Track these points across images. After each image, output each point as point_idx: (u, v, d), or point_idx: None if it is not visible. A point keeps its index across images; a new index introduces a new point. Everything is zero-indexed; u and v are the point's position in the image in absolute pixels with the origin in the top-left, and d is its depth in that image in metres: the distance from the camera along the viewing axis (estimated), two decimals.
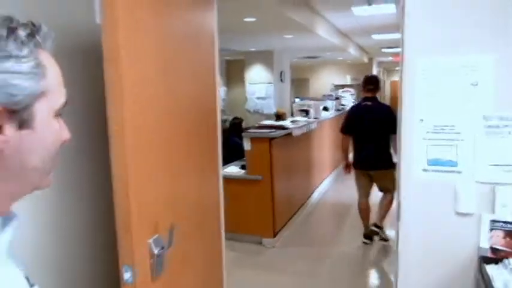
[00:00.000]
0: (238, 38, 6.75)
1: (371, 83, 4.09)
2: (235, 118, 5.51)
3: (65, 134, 0.61)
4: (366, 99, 4.09)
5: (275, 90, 8.99)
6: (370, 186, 4.16)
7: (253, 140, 4.16)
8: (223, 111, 9.07)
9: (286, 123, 4.90)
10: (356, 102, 4.38)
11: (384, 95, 17.79)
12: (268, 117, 7.66)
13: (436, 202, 1.59)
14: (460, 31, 1.51)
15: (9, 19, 0.52)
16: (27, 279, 0.64)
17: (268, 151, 4.11)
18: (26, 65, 0.52)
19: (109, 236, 1.32)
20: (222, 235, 2.03)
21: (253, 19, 5.20)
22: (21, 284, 0.61)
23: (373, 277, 3.61)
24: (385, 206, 4.09)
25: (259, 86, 9.05)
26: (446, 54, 1.54)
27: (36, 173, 0.58)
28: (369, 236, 4.17)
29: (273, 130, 4.34)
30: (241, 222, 4.15)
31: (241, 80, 9.85)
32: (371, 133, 3.93)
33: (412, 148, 1.61)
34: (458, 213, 1.56)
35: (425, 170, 1.60)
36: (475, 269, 1.55)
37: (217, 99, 1.91)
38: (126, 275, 1.15)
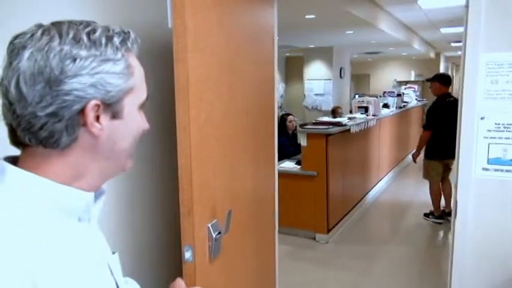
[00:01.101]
0: (299, 34, 6.78)
1: (451, 80, 4.64)
2: (283, 114, 5.42)
3: (146, 124, 0.71)
4: (448, 95, 4.47)
5: (334, 86, 8.89)
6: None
7: (310, 136, 4.18)
8: (280, 108, 9.16)
9: (343, 119, 4.86)
10: (437, 99, 4.58)
11: (452, 91, 16.77)
12: (325, 113, 7.62)
13: (496, 202, 1.55)
14: None
15: (107, 29, 0.63)
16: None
17: (325, 147, 4.12)
18: (119, 67, 0.62)
19: (172, 217, 1.46)
20: (276, 227, 2.12)
21: (314, 16, 5.21)
22: (108, 249, 0.74)
23: (430, 278, 3.49)
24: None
25: (318, 82, 9.00)
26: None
27: (123, 156, 0.69)
28: (441, 216, 4.65)
29: (330, 126, 4.34)
30: (296, 216, 4.21)
31: (300, 77, 9.87)
32: (455, 126, 4.03)
33: (472, 146, 1.57)
34: None
35: (485, 169, 1.56)
36: None
37: (274, 95, 1.99)
38: (187, 254, 1.28)
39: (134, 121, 0.67)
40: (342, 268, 3.63)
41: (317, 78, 9.06)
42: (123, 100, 0.63)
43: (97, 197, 0.68)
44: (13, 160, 0.62)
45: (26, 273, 0.52)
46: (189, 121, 1.19)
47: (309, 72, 9.27)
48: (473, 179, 1.59)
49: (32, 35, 0.58)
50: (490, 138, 1.54)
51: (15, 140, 0.62)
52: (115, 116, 0.63)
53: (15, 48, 0.58)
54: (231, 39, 1.47)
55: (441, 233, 4.47)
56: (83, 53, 0.58)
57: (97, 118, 0.61)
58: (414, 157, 4.85)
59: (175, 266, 1.48)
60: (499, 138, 1.53)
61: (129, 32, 0.65)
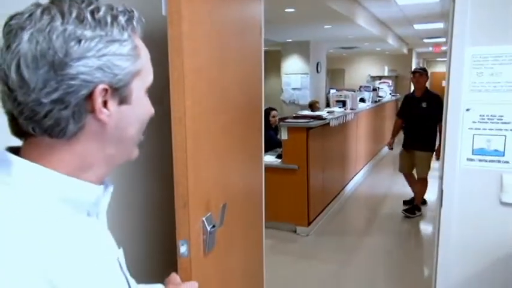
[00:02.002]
0: (277, 28, 6.78)
1: None
2: (267, 109, 5.49)
3: (152, 109, 0.68)
4: None
5: (311, 81, 8.96)
6: None
7: (291, 129, 4.20)
8: None
9: (323, 113, 4.90)
10: (429, 90, 4.60)
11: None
12: (303, 107, 7.68)
13: (480, 191, 1.60)
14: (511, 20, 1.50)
15: (111, 7, 0.58)
16: None
17: (305, 141, 4.15)
18: (126, 48, 0.58)
19: (166, 212, 1.43)
20: (263, 220, 2.12)
21: (293, 10, 5.21)
22: (115, 244, 0.71)
23: (409, 267, 3.59)
24: None
25: (295, 76, 9.04)
26: (496, 43, 1.53)
27: (131, 144, 0.65)
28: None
29: (310, 120, 4.36)
30: (277, 210, 4.22)
31: (277, 71, 9.87)
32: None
33: (457, 137, 1.61)
34: (503, 203, 1.56)
35: (470, 159, 1.60)
36: None
37: (262, 88, 1.98)
38: (183, 249, 1.25)
39: (142, 105, 0.64)
40: (322, 260, 3.68)
41: (294, 73, 9.10)
42: (130, 84, 0.59)
43: (104, 189, 0.65)
44: (15, 151, 0.58)
45: (42, 271, 0.49)
46: (185, 112, 1.16)
47: (287, 66, 9.30)
48: (458, 169, 1.63)
49: (31, 15, 0.53)
50: (475, 129, 1.59)
51: (16, 129, 0.57)
52: (123, 101, 0.59)
53: (12, 30, 0.53)
54: (222, 30, 1.45)
55: (418, 223, 4.61)
56: (88, 33, 0.54)
57: (104, 104, 0.57)
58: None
59: (168, 261, 1.45)
60: (483, 129, 1.58)
61: (133, 11, 0.61)
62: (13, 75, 0.53)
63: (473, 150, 1.60)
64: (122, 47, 0.57)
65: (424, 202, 4.81)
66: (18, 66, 0.52)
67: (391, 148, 5.10)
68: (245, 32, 1.74)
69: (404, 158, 4.67)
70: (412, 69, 4.80)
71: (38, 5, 0.55)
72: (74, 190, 0.58)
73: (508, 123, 1.53)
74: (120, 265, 0.67)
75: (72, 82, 0.53)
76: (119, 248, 0.72)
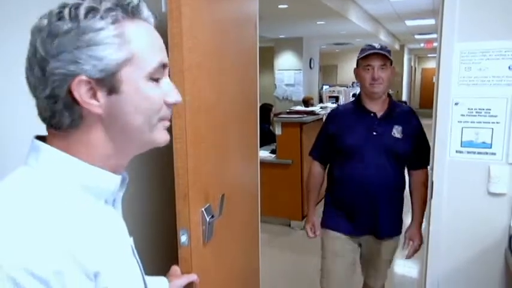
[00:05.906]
0: (270, 24, 6.81)
1: None
2: (264, 104, 5.55)
3: (172, 95, 0.64)
4: None
5: (304, 77, 9.02)
6: None
7: (285, 124, 4.25)
8: None
9: (316, 109, 4.96)
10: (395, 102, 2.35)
11: (415, 83, 17.38)
12: (296, 103, 7.72)
13: (468, 182, 1.66)
14: (499, 16, 1.55)
15: (99, 0, 0.58)
16: None
17: (299, 136, 4.20)
18: (101, 36, 0.56)
19: (166, 203, 1.47)
20: (259, 212, 2.17)
21: (286, 6, 5.24)
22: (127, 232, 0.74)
23: (400, 261, 3.67)
24: None
25: (289, 72, 9.09)
26: (484, 39, 1.58)
27: (140, 132, 0.63)
28: None
29: (303, 115, 4.42)
30: (271, 205, 4.28)
31: (270, 67, 9.89)
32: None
33: (447, 130, 1.67)
34: (491, 193, 1.62)
35: (459, 152, 1.66)
36: (505, 247, 1.62)
37: (257, 83, 2.02)
38: (183, 238, 1.29)
39: (140, 93, 0.61)
40: (316, 253, 3.73)
41: (287, 69, 9.15)
42: (119, 72, 0.58)
43: (122, 179, 0.68)
44: (42, 139, 0.62)
45: (66, 247, 0.53)
46: (185, 107, 1.19)
47: (280, 62, 9.34)
48: (447, 161, 1.69)
49: (40, 19, 0.59)
50: (464, 122, 1.65)
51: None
52: (112, 90, 0.59)
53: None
54: (220, 25, 1.48)
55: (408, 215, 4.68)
56: (62, 29, 0.56)
57: (94, 95, 0.58)
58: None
59: (168, 252, 1.49)
60: (471, 122, 1.64)
61: None
62: (27, 78, 0.60)
63: (462, 142, 1.66)
64: (97, 36, 0.56)
65: None
66: (26, 68, 0.60)
67: (314, 234, 2.50)
68: (241, 27, 1.77)
69: (343, 255, 2.27)
70: (363, 48, 1.94)
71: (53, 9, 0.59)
72: (95, 178, 0.61)
73: (495, 116, 1.59)
74: (133, 251, 0.71)
75: (55, 78, 0.57)
76: (130, 236, 0.76)
